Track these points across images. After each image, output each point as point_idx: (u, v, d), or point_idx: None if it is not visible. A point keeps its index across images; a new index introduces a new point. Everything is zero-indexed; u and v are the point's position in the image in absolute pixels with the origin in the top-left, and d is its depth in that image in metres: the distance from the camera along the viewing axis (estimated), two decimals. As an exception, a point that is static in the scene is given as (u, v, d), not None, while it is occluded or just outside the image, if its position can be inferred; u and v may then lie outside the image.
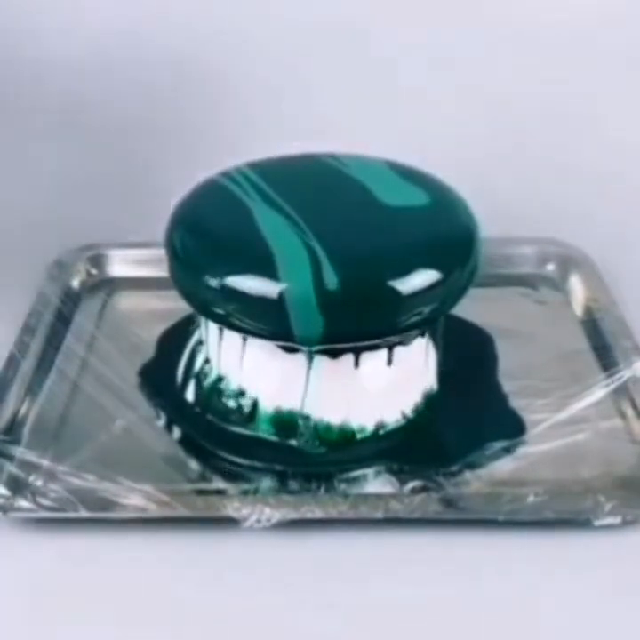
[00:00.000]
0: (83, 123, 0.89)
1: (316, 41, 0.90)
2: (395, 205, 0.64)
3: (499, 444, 0.64)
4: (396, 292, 0.59)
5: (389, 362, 0.64)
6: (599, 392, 0.68)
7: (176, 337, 0.73)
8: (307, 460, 0.64)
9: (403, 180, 0.66)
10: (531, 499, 0.59)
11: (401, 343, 0.63)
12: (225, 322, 0.62)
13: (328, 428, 0.64)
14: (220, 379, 0.66)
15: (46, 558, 0.58)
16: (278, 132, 0.81)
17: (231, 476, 0.62)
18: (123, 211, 0.73)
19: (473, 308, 0.72)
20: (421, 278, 0.60)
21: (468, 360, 0.71)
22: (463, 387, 0.69)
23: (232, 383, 0.66)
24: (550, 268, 0.82)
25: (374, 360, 0.63)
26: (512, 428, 0.65)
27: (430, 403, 0.67)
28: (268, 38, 0.91)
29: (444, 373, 0.69)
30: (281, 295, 0.59)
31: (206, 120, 0.90)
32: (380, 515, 0.58)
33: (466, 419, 0.66)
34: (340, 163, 0.69)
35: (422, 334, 0.66)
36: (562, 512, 0.59)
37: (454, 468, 0.62)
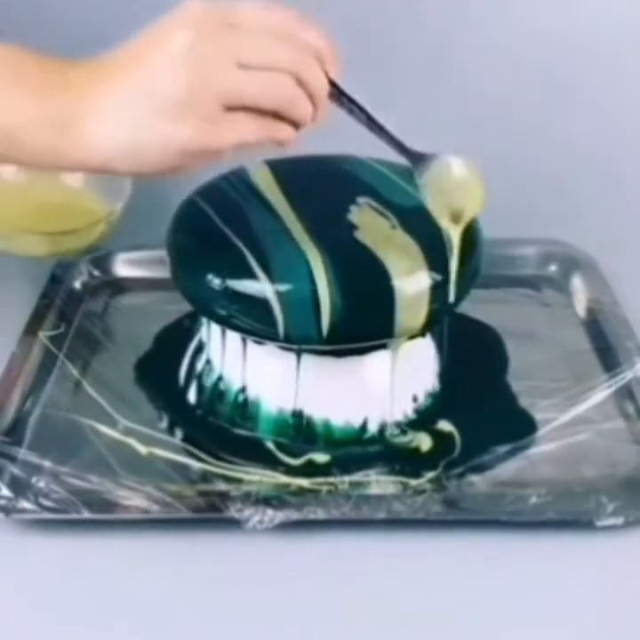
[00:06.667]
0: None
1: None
2: (399, 206, 0.64)
3: (507, 446, 0.64)
4: (397, 294, 0.59)
5: (392, 362, 0.64)
6: (602, 393, 0.68)
7: (172, 334, 0.73)
8: (309, 461, 0.64)
9: (407, 182, 0.66)
10: (533, 499, 0.59)
11: (403, 344, 0.63)
12: (225, 322, 0.63)
13: (330, 428, 0.64)
14: (221, 380, 0.66)
15: (49, 559, 0.58)
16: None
17: (233, 478, 0.62)
18: (125, 213, 0.73)
19: (476, 309, 0.72)
20: (423, 280, 0.60)
21: (476, 359, 0.71)
22: (471, 386, 0.69)
23: (234, 384, 0.66)
24: (553, 268, 0.82)
25: (377, 361, 0.63)
26: (522, 429, 0.65)
27: (435, 403, 0.67)
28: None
29: (450, 372, 0.69)
30: (278, 297, 0.59)
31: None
32: (382, 515, 0.58)
33: (472, 419, 0.66)
34: (348, 163, 0.69)
35: (425, 335, 0.66)
36: (564, 513, 0.59)
37: (459, 470, 0.62)
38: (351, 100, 0.55)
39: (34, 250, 0.69)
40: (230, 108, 0.50)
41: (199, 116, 0.49)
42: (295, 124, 0.53)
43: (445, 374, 0.69)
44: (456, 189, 0.58)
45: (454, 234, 0.60)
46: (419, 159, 0.58)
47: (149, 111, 0.49)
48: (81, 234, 0.68)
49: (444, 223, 0.58)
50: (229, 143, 0.51)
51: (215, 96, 0.49)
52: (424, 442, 0.65)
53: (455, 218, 0.57)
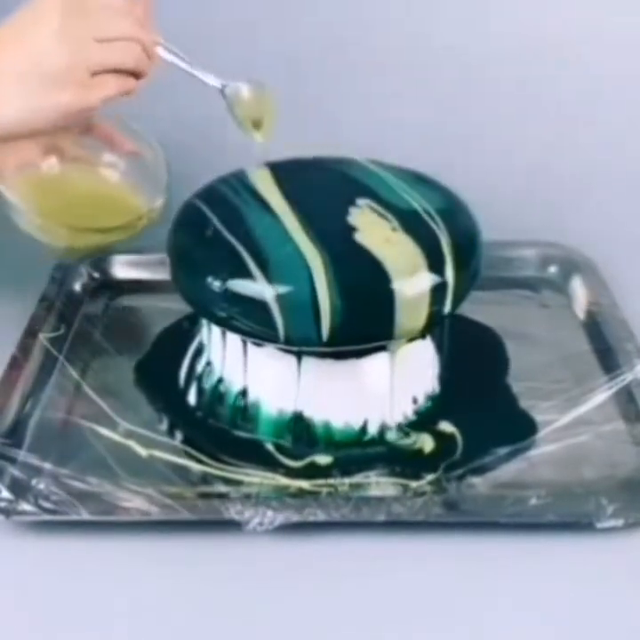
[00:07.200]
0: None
1: (322, 45, 0.90)
2: (399, 208, 0.64)
3: (507, 448, 0.64)
4: (397, 296, 0.60)
5: (392, 364, 0.64)
6: (602, 395, 0.68)
7: (172, 336, 0.73)
8: (309, 463, 0.64)
9: (407, 184, 0.66)
10: (533, 501, 0.59)
11: (403, 346, 0.63)
12: (225, 324, 0.63)
13: (330, 430, 0.64)
14: (221, 382, 0.66)
15: (49, 561, 0.58)
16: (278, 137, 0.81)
17: (233, 480, 0.62)
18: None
19: (476, 311, 0.72)
20: (423, 282, 0.60)
21: (476, 361, 0.71)
22: (471, 388, 0.69)
23: (234, 386, 0.66)
24: (552, 270, 0.82)
25: (377, 363, 0.63)
26: (522, 430, 0.65)
27: (435, 404, 0.67)
28: (274, 42, 0.91)
29: (450, 374, 0.69)
30: (278, 299, 0.59)
31: (208, 124, 0.91)
32: (382, 517, 0.58)
33: (472, 420, 0.66)
34: (347, 165, 0.69)
35: (425, 337, 0.66)
36: (564, 515, 0.59)
37: (459, 471, 0.62)
38: (169, 49, 0.66)
39: (66, 242, 0.71)
40: (96, 73, 0.62)
41: (75, 83, 0.61)
42: (137, 77, 0.64)
43: (445, 376, 0.69)
44: (251, 104, 0.69)
45: (258, 137, 0.69)
46: (223, 87, 0.68)
47: (36, 84, 0.60)
48: (123, 230, 0.70)
49: (250, 131, 0.70)
50: (100, 100, 0.62)
51: (85, 67, 0.61)
52: (427, 443, 0.65)
53: (256, 125, 0.69)
